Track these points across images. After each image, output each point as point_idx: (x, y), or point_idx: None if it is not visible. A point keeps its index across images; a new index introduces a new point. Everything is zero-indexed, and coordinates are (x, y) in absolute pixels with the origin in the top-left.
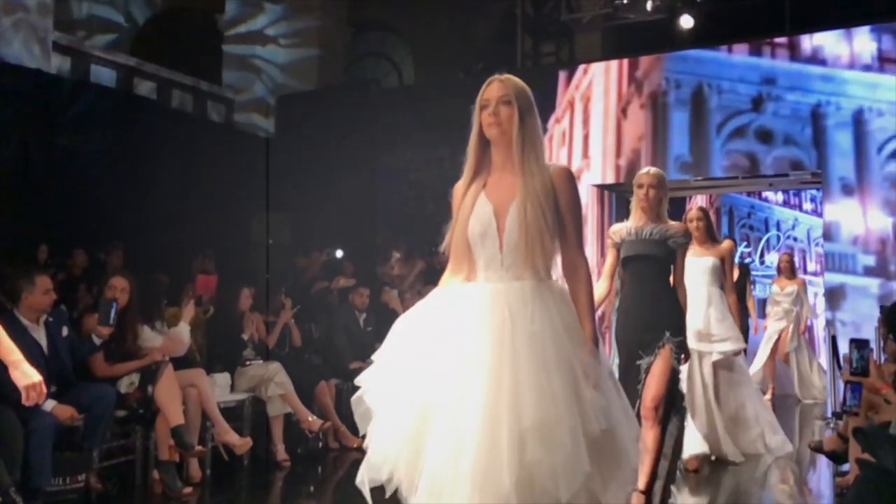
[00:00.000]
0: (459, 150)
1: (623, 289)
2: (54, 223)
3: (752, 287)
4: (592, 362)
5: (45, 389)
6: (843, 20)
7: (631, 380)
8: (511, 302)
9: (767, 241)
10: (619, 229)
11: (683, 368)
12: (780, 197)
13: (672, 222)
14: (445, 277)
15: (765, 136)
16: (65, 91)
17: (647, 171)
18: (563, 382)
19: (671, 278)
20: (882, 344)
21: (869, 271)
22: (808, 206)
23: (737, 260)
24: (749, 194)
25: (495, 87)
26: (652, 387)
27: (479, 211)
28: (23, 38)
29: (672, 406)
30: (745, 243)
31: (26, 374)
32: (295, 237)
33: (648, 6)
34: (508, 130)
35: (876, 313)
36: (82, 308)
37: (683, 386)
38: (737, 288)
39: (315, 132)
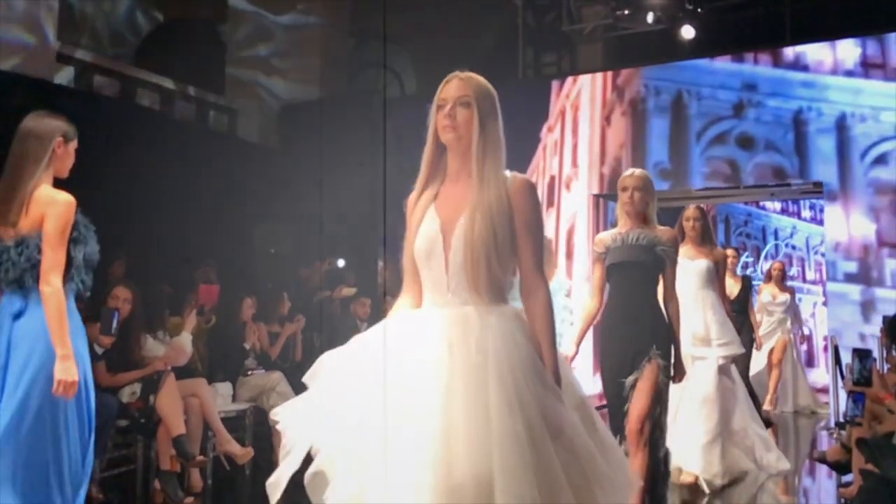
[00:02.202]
0: None
1: (607, 302)
2: None
3: (753, 300)
4: (551, 403)
5: (75, 391)
6: (844, 30)
7: (616, 404)
8: (452, 331)
9: (767, 253)
10: (604, 237)
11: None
12: (777, 205)
13: (661, 227)
14: (398, 303)
15: (746, 143)
16: (67, 101)
17: (630, 172)
18: (514, 423)
19: (659, 290)
20: (885, 354)
21: (850, 278)
22: (806, 213)
23: (739, 271)
24: (746, 202)
25: (454, 86)
26: (637, 405)
27: (426, 227)
28: (25, 48)
29: (660, 429)
30: (746, 253)
31: (67, 370)
32: (297, 247)
33: (649, 17)
34: (465, 135)
35: (858, 319)
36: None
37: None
38: (740, 300)
39: (317, 142)
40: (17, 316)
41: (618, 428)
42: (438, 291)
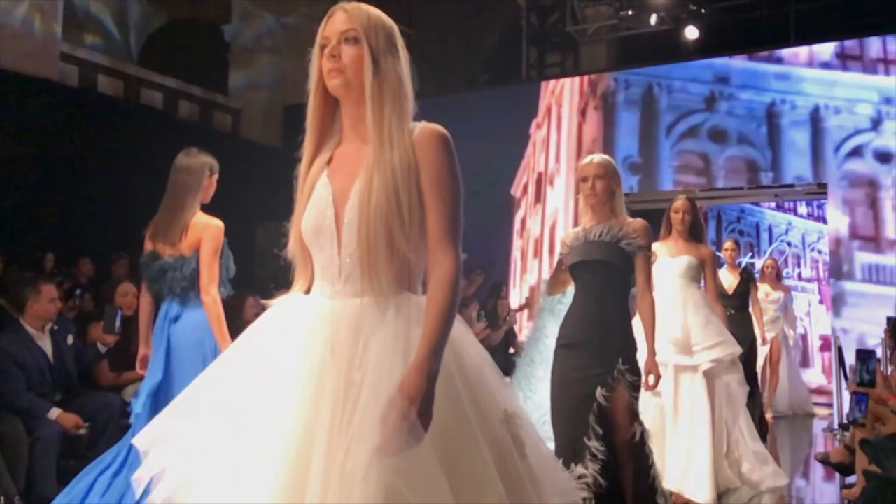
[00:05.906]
0: (465, 158)
1: (568, 309)
2: (61, 232)
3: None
4: (414, 384)
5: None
6: (847, 31)
7: (570, 422)
8: (337, 332)
9: (767, 252)
10: (567, 236)
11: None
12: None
13: (629, 219)
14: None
15: (718, 136)
16: (71, 101)
17: (589, 160)
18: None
19: (629, 292)
20: (888, 355)
21: None
22: (802, 209)
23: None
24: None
25: (337, 20)
26: (621, 430)
27: (316, 198)
28: (30, 48)
29: (641, 448)
30: (749, 255)
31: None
32: None
33: (653, 18)
34: (356, 80)
35: (827, 316)
36: (67, 311)
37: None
38: (739, 295)
39: None
40: (175, 320)
41: (571, 460)
42: (328, 278)
